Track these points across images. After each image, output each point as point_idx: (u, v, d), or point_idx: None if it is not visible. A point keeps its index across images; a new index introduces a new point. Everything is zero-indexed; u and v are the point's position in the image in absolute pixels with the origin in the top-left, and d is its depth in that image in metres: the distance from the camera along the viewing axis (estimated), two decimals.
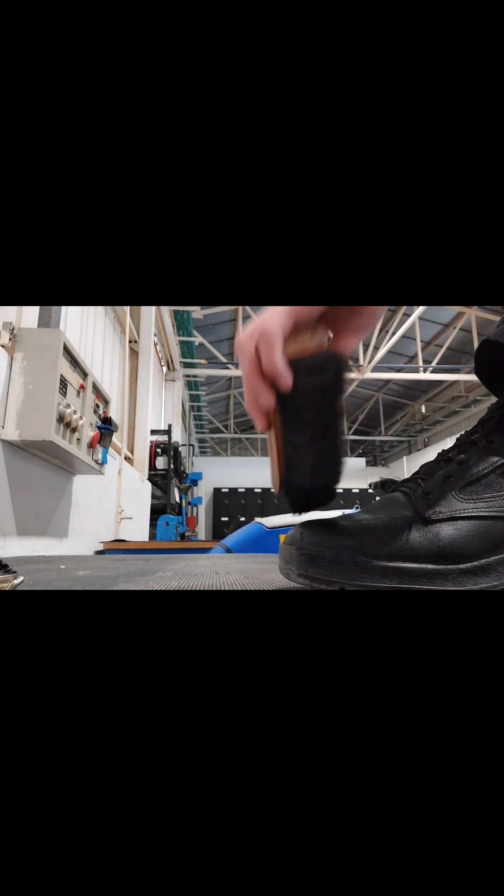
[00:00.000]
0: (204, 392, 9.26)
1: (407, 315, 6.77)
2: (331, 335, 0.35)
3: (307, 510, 0.38)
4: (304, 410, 0.33)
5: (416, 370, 7.94)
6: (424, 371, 7.71)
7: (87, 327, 2.90)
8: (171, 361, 6.53)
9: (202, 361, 7.13)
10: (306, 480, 0.35)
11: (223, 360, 7.79)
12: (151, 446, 4.50)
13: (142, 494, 3.66)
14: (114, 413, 2.53)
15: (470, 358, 7.76)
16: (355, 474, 11.13)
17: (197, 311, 6.21)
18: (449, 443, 0.43)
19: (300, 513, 0.38)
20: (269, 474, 0.38)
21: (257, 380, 0.34)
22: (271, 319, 0.32)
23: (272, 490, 0.37)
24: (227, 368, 7.62)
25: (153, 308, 4.40)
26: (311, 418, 0.33)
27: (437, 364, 7.77)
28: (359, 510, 0.43)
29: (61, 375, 1.54)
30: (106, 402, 2.08)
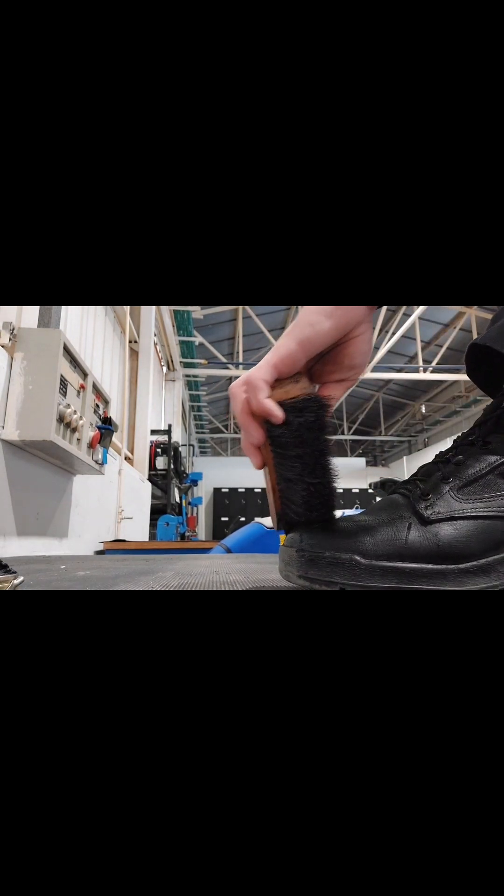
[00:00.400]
0: (204, 392, 9.26)
1: (407, 315, 6.77)
2: (317, 387, 0.41)
3: None
4: (291, 447, 0.37)
5: (416, 370, 7.94)
6: (424, 371, 7.70)
7: (87, 327, 2.90)
8: (171, 361, 6.53)
9: (202, 361, 7.13)
10: (301, 514, 0.38)
11: (223, 360, 7.79)
12: (151, 446, 4.50)
13: (142, 494, 3.66)
14: (114, 413, 2.53)
15: None
16: (355, 474, 11.13)
17: (197, 311, 6.21)
18: (449, 443, 0.43)
19: None
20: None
21: (248, 420, 0.38)
22: (257, 370, 0.38)
23: (272, 527, 0.41)
24: (227, 368, 7.62)
25: (153, 308, 4.39)
26: (299, 454, 0.37)
27: (437, 364, 7.77)
28: (359, 511, 0.44)
29: (61, 375, 1.54)
30: (106, 402, 2.09)
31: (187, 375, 7.46)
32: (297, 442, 0.37)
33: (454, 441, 0.44)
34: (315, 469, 0.37)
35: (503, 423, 0.41)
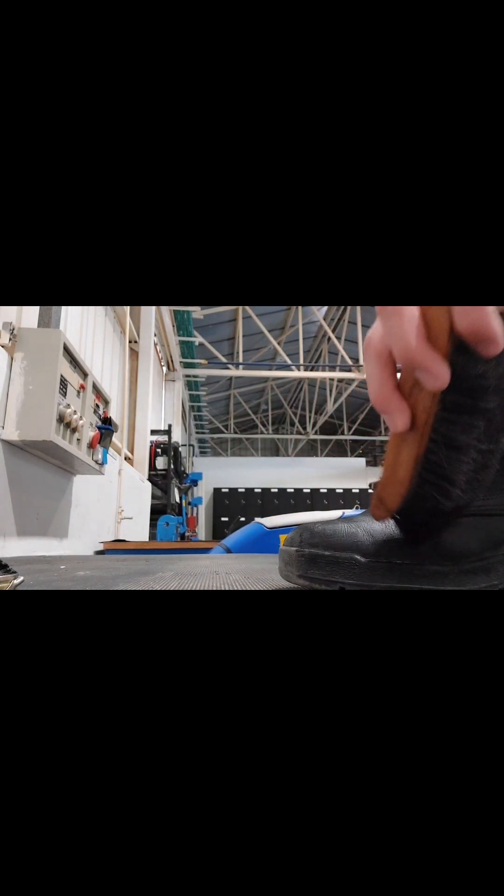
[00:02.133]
0: (204, 392, 9.25)
1: None
2: None
3: (418, 543, 0.30)
4: (485, 397, 0.25)
5: None
6: None
7: (87, 327, 2.90)
8: (171, 361, 6.53)
9: (202, 361, 7.13)
10: (455, 498, 0.25)
11: (223, 360, 7.79)
12: (151, 446, 4.50)
13: (142, 494, 3.66)
14: (114, 413, 2.53)
15: None
16: (355, 474, 11.13)
17: (197, 311, 6.21)
18: None
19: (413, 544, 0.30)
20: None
21: (428, 350, 0.25)
22: None
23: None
24: (227, 368, 7.62)
25: (153, 308, 4.40)
26: (492, 408, 0.25)
27: None
28: (359, 511, 0.43)
29: (61, 375, 1.54)
30: (106, 403, 2.08)
31: (187, 375, 7.46)
32: (497, 387, 0.24)
33: None
34: (501, 430, 0.25)
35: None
